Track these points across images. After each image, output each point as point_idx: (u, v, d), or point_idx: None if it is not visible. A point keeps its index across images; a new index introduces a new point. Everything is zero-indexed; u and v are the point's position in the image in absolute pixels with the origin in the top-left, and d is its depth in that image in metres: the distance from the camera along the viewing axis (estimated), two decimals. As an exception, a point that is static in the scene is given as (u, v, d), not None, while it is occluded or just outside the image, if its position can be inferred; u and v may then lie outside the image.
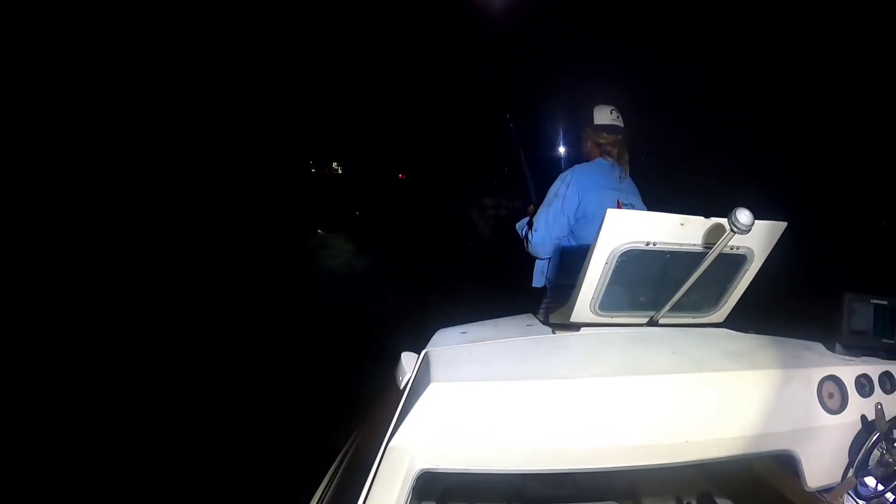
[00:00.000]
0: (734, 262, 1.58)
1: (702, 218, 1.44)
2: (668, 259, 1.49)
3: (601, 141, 2.45)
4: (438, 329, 1.80)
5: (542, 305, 2.40)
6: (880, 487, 1.29)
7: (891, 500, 1.43)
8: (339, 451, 2.06)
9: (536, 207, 2.55)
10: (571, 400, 1.18)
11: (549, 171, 2.63)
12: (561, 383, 1.20)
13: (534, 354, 1.46)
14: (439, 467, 1.11)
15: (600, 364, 1.34)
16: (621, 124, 2.46)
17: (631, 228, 1.41)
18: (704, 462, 1.18)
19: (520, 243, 2.55)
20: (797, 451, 1.24)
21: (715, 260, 1.41)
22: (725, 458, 1.19)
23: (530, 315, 2.22)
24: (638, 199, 2.50)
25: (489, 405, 1.16)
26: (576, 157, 2.59)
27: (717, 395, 1.24)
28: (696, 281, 1.48)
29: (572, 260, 2.35)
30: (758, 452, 1.22)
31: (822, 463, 1.26)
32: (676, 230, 1.44)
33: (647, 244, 1.44)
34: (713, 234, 1.45)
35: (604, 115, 2.46)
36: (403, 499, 1.03)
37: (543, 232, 2.35)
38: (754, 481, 2.02)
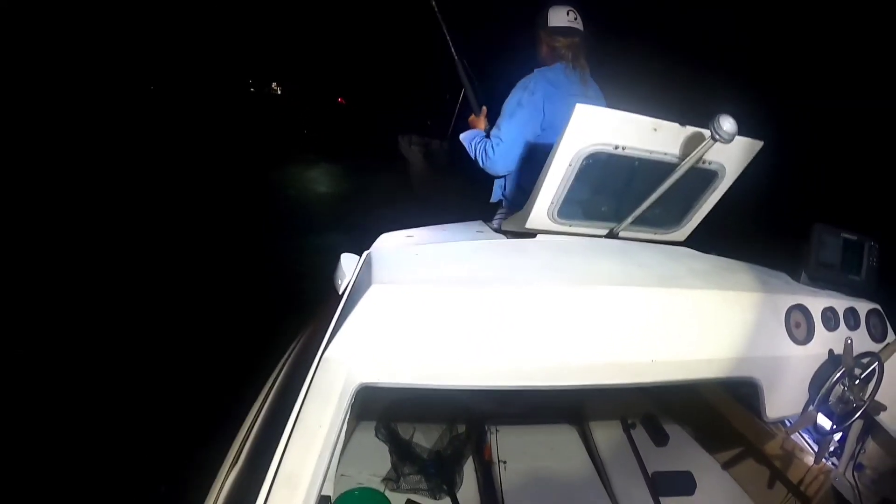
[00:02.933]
0: (704, 178, 1.47)
1: (676, 124, 1.31)
2: (636, 167, 1.37)
3: (556, 45, 2.24)
4: (382, 233, 1.66)
5: (496, 216, 2.28)
6: (830, 426, 1.25)
7: (837, 438, 1.42)
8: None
9: (478, 117, 2.37)
10: (527, 309, 1.05)
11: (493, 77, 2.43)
12: (516, 290, 1.07)
13: (486, 259, 1.32)
14: (380, 381, 0.98)
15: (559, 271, 1.22)
16: (580, 27, 2.24)
17: (600, 128, 1.28)
18: (665, 384, 1.09)
19: (467, 159, 2.33)
20: (760, 380, 1.16)
21: (685, 173, 1.30)
22: (686, 381, 1.10)
23: (481, 223, 2.11)
24: (602, 103, 2.29)
25: (436, 312, 1.03)
26: (526, 64, 2.34)
27: (684, 313, 1.13)
28: (663, 194, 1.36)
29: (535, 172, 2.20)
30: (721, 377, 1.13)
31: (782, 394, 1.19)
32: (648, 135, 1.31)
33: (616, 148, 1.31)
34: (689, 144, 1.32)
35: (559, 17, 2.24)
36: (340, 416, 0.91)
37: (508, 145, 2.13)
38: (704, 407, 2.01)
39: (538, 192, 1.38)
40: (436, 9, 2.45)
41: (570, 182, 1.35)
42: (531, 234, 1.50)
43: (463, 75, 2.48)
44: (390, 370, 0.99)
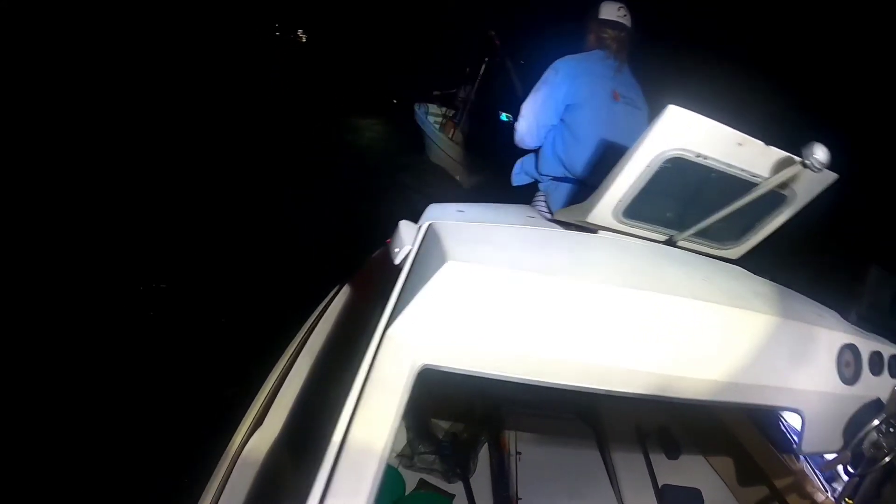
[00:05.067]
0: (773, 201, 1.44)
1: (762, 143, 1.28)
2: (712, 178, 1.33)
3: (603, 35, 2.35)
4: (430, 203, 1.64)
5: (538, 199, 2.34)
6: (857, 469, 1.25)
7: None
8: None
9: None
10: (597, 308, 1.01)
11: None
12: (590, 287, 1.03)
13: (556, 250, 1.28)
14: (444, 365, 0.92)
15: (628, 274, 1.19)
16: (628, 23, 2.36)
17: (687, 133, 1.24)
18: (714, 404, 1.07)
19: (485, 135, 2.45)
20: (805, 412, 1.15)
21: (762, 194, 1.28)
22: (735, 403, 1.09)
23: (527, 207, 2.14)
24: (639, 95, 2.38)
25: (510, 298, 0.98)
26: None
27: (744, 335, 1.11)
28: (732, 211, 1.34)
29: (567, 151, 2.25)
30: (769, 405, 1.13)
31: (821, 430, 1.18)
32: (732, 149, 1.28)
33: (698, 156, 1.28)
34: (772, 165, 1.30)
35: (610, 11, 2.36)
36: (404, 398, 0.87)
37: (531, 119, 2.25)
38: (720, 428, 2.02)
39: (607, 188, 1.35)
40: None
41: (643, 183, 1.32)
42: (591, 228, 1.48)
43: (511, 69, 2.53)
44: (456, 354, 0.94)
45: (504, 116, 9.71)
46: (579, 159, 2.19)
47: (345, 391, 0.89)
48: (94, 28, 10.86)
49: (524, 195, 2.41)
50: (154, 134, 6.92)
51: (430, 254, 1.10)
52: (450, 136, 10.10)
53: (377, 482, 0.80)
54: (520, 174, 2.45)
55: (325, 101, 12.72)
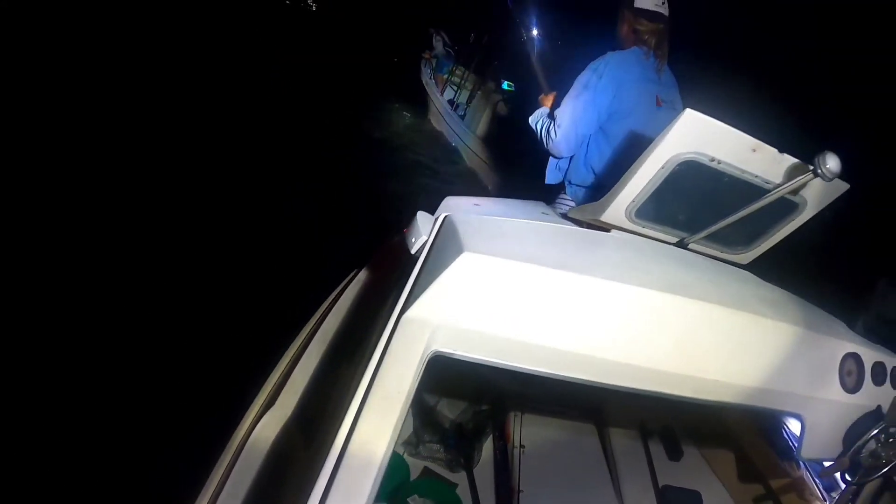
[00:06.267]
0: (784, 208, 1.46)
1: (775, 150, 1.31)
2: (725, 183, 1.36)
3: (639, 27, 2.14)
4: (447, 196, 1.67)
5: (559, 200, 2.25)
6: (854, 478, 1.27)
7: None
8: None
9: (547, 96, 2.31)
10: (609, 305, 1.04)
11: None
12: (603, 284, 1.05)
13: (569, 246, 1.32)
14: (455, 352, 0.95)
15: (640, 273, 1.20)
16: (666, 13, 2.15)
17: (703, 137, 1.27)
18: (716, 404, 1.10)
19: (534, 139, 2.27)
20: (806, 418, 1.17)
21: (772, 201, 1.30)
22: (736, 404, 1.11)
23: (543, 204, 2.09)
24: (678, 97, 2.23)
25: (524, 290, 1.00)
26: (603, 44, 2.26)
27: (749, 339, 1.13)
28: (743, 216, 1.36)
29: (602, 159, 2.13)
30: (771, 408, 1.15)
31: (821, 436, 1.20)
32: (746, 154, 1.31)
33: (712, 160, 1.31)
34: (784, 172, 1.32)
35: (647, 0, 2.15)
36: (415, 382, 0.90)
37: (569, 128, 2.07)
38: (722, 431, 2.04)
39: (621, 188, 1.38)
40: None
41: (657, 184, 1.35)
42: (604, 227, 1.50)
43: (534, 55, 2.40)
44: (467, 342, 0.96)
45: (506, 85, 9.66)
46: (613, 171, 1.99)
47: (358, 373, 0.92)
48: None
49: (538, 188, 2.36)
50: (167, 118, 6.85)
51: (447, 244, 1.13)
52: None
53: (384, 466, 0.81)
54: (554, 172, 2.31)
55: (336, 83, 12.54)
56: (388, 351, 0.92)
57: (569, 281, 1.03)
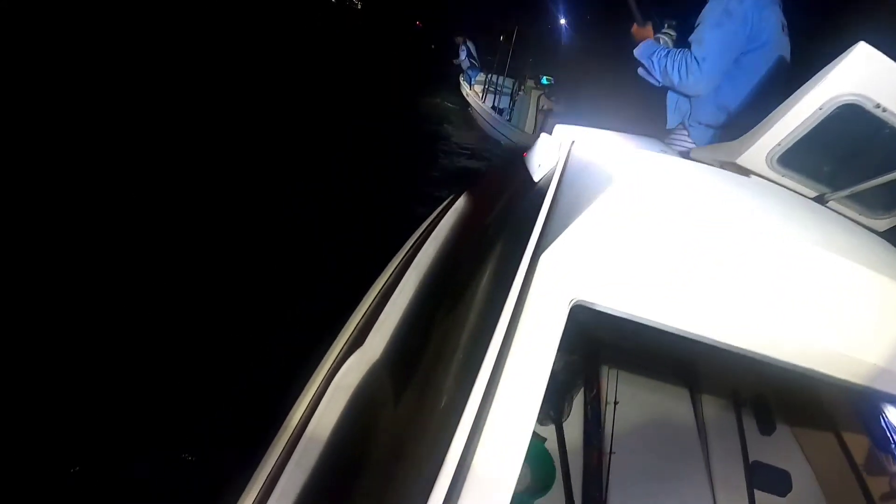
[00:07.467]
0: None
1: None
2: (885, 135, 1.24)
3: None
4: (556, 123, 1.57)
5: (673, 139, 2.07)
6: None
7: None
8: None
9: (643, 27, 2.09)
10: (764, 263, 0.89)
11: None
12: (762, 240, 0.90)
13: (718, 190, 1.16)
14: (597, 303, 0.81)
15: (796, 227, 1.05)
16: None
17: (872, 79, 1.16)
18: (824, 376, 0.88)
19: (639, 81, 2.04)
20: None
21: None
22: (837, 379, 0.89)
23: (657, 141, 1.95)
24: (786, 21, 2.00)
25: (677, 239, 0.87)
26: None
27: (881, 309, 0.93)
28: None
29: (737, 96, 1.93)
30: (880, 390, 0.91)
31: None
32: None
33: (877, 107, 1.20)
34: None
35: None
36: (558, 337, 0.77)
37: (714, 62, 1.83)
38: (819, 411, 1.95)
39: (765, 130, 1.28)
40: None
41: (808, 129, 1.25)
42: (742, 171, 1.40)
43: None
44: (611, 293, 0.82)
45: (545, 80, 9.87)
46: (749, 109, 1.87)
47: (481, 320, 0.83)
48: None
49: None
50: (210, 114, 7.00)
51: (587, 173, 1.05)
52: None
53: (528, 439, 0.69)
54: (674, 113, 2.09)
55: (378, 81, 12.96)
56: (527, 298, 0.79)
57: (723, 234, 0.90)
